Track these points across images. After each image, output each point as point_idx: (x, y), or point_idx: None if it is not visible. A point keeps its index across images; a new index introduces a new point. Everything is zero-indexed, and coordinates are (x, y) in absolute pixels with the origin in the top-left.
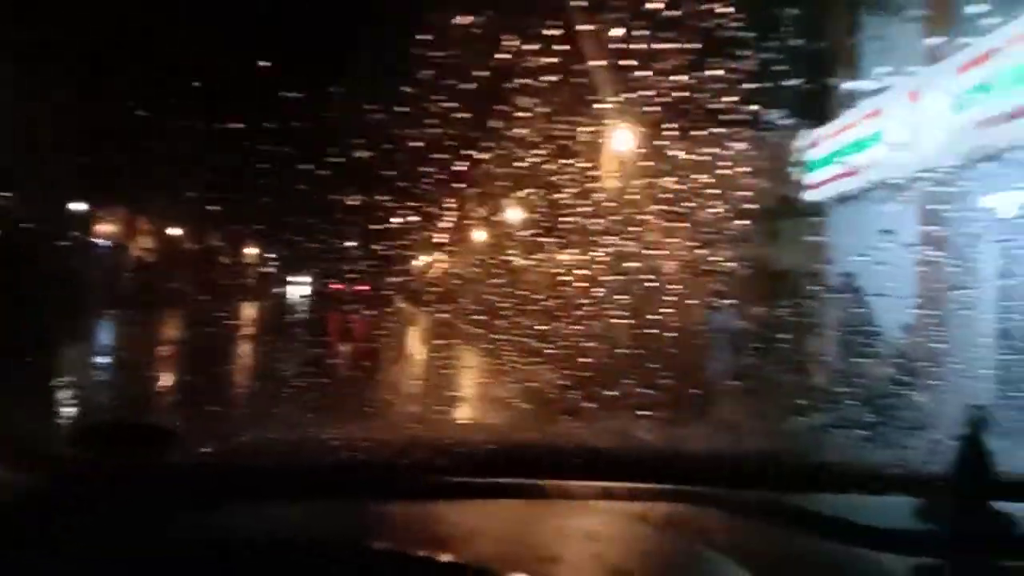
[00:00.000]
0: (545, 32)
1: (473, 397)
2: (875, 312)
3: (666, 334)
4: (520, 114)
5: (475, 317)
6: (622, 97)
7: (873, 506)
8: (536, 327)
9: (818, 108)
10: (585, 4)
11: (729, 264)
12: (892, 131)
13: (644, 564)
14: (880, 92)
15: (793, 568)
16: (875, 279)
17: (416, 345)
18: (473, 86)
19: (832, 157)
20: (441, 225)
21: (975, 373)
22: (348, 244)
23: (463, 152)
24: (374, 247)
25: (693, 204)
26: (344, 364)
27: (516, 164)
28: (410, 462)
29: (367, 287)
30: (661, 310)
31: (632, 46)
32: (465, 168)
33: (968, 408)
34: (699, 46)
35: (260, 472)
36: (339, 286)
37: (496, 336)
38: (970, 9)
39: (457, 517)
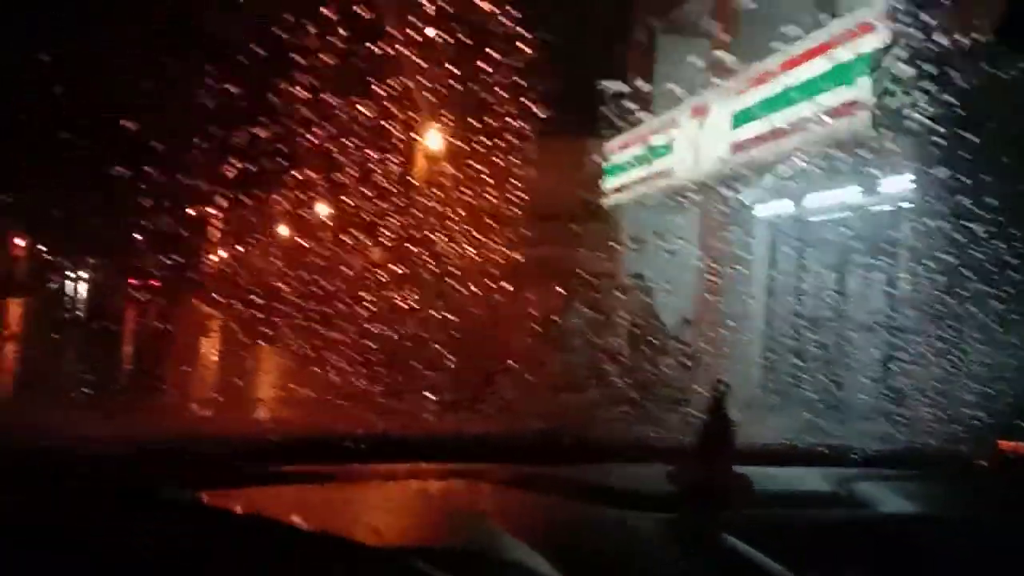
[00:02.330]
0: (349, 38)
1: (263, 386)
2: (658, 306)
3: (458, 324)
4: (318, 113)
5: (271, 309)
6: (427, 101)
7: (633, 473)
8: (328, 318)
9: (617, 118)
10: (392, 13)
11: (526, 260)
12: (681, 142)
13: (414, 532)
14: (673, 106)
15: (557, 531)
16: (662, 277)
17: (206, 335)
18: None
19: (628, 164)
20: (235, 220)
21: (736, 357)
22: (135, 237)
23: (260, 150)
24: (164, 241)
25: (493, 205)
26: (126, 358)
27: (311, 163)
28: (195, 452)
29: (156, 281)
30: (454, 301)
31: (434, 53)
32: (258, 166)
33: (714, 385)
34: (503, 57)
35: (28, 469)
36: (130, 280)
37: (293, 330)
38: (751, 36)
39: (236, 505)
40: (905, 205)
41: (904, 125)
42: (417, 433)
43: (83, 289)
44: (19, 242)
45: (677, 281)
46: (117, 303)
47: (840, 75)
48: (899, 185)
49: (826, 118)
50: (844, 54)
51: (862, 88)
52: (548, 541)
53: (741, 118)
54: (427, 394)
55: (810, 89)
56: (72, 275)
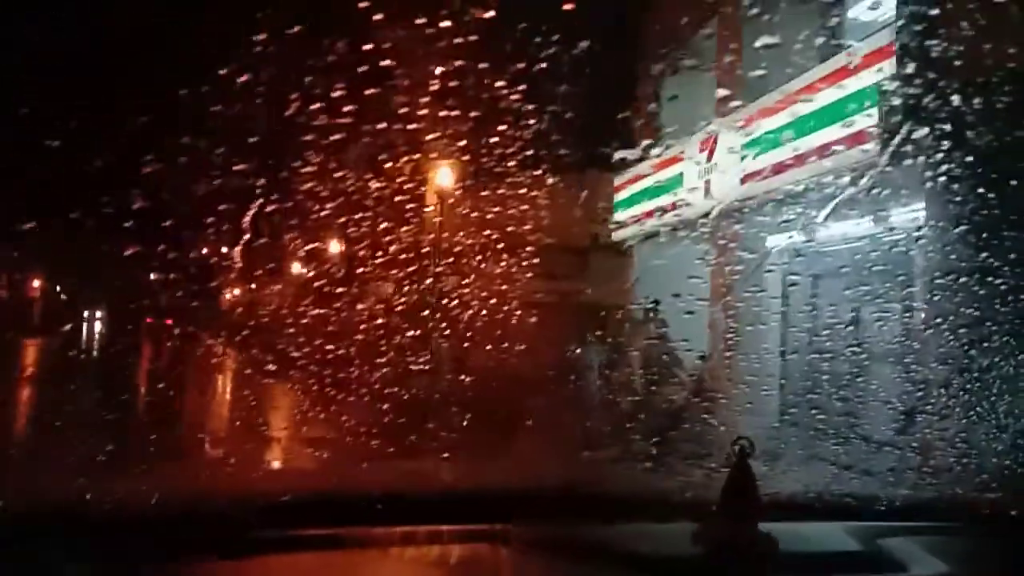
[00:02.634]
0: (361, 75)
1: (274, 444)
2: (673, 341)
3: (471, 373)
4: (332, 153)
5: (279, 361)
6: (438, 140)
7: (657, 533)
8: (336, 371)
9: (625, 152)
10: (401, 55)
11: (537, 301)
12: (691, 175)
13: None
14: (681, 139)
15: None
16: (675, 311)
17: (211, 386)
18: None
19: (638, 198)
20: (248, 262)
21: (756, 401)
22: (149, 277)
23: (273, 189)
24: (177, 281)
25: (505, 242)
26: (140, 401)
27: (327, 204)
28: (204, 515)
29: (169, 321)
30: (466, 349)
31: (446, 91)
32: (273, 204)
33: (736, 441)
34: (509, 92)
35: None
36: (147, 320)
37: (302, 379)
38: (758, 67)
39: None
40: (918, 233)
41: (915, 152)
42: (434, 492)
43: (98, 328)
44: (35, 283)
45: (689, 316)
46: (132, 343)
47: (849, 104)
48: (911, 213)
49: (836, 148)
50: (852, 84)
51: (871, 117)
52: None
53: (750, 149)
54: (445, 453)
55: (819, 119)
56: (87, 315)
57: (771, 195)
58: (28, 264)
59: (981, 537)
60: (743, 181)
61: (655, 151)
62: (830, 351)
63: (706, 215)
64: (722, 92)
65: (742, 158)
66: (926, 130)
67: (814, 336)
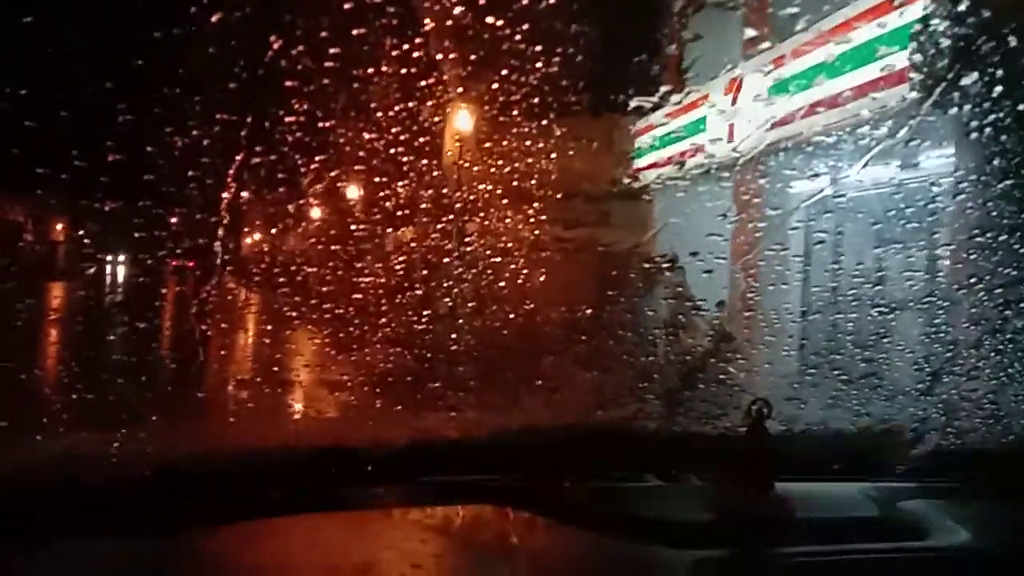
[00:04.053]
0: (377, 14)
1: (272, 401)
2: (692, 288)
3: (479, 327)
4: (354, 90)
5: (277, 315)
6: (458, 80)
7: (667, 496)
8: (343, 324)
9: (649, 95)
10: None
11: (550, 252)
12: (715, 119)
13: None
14: (705, 81)
15: (583, 571)
16: (697, 257)
17: (198, 344)
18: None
19: (661, 142)
20: (267, 206)
21: (776, 359)
22: (169, 217)
23: (297, 128)
24: (199, 221)
25: (525, 188)
26: (163, 345)
27: (347, 143)
28: (199, 477)
29: (192, 263)
30: (480, 299)
31: (461, 32)
32: (299, 144)
33: (754, 399)
34: (529, 31)
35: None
36: (172, 263)
37: (304, 334)
38: (786, 7)
39: (253, 540)
40: (947, 181)
41: (955, 98)
42: (441, 447)
43: (121, 272)
44: (59, 226)
45: (711, 262)
46: (155, 286)
47: (879, 46)
48: (942, 160)
49: (869, 92)
50: (884, 24)
51: (903, 59)
52: None
53: (776, 93)
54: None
55: (847, 62)
56: (111, 258)
57: (797, 143)
58: (53, 207)
59: (1002, 498)
60: (769, 127)
61: (677, 94)
62: (856, 308)
63: (730, 159)
64: (749, 31)
65: (769, 103)
66: (968, 74)
67: (839, 293)
